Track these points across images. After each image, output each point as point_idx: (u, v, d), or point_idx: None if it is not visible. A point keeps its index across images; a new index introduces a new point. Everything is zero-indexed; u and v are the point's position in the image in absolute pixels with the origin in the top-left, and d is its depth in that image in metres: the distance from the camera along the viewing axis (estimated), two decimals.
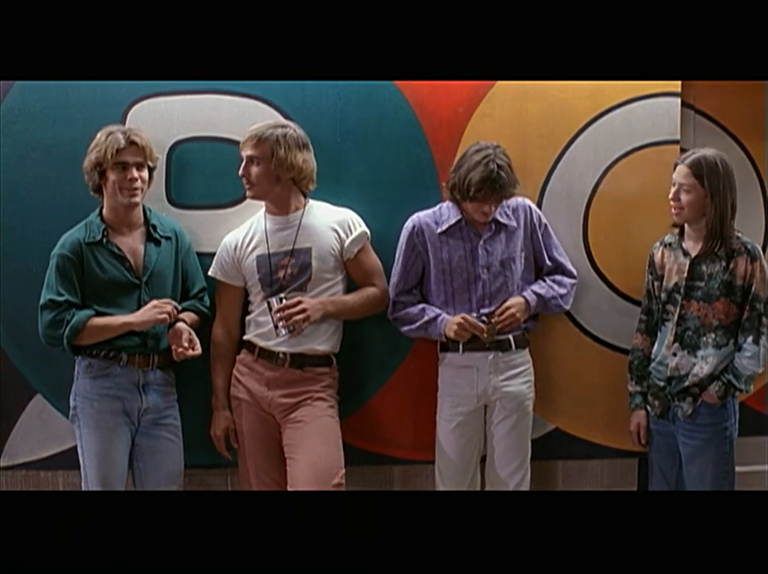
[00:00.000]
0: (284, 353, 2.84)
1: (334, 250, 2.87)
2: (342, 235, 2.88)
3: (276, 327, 2.77)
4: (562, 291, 3.02)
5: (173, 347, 2.80)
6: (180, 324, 2.81)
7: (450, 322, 2.90)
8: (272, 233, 2.87)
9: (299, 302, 2.76)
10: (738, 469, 3.02)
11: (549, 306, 3.01)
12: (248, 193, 2.86)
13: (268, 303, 2.78)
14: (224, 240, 2.95)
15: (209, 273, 2.96)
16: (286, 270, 2.84)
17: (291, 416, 2.84)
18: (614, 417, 3.20)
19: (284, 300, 2.75)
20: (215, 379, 2.97)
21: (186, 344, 2.78)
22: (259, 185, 2.81)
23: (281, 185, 2.82)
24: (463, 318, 2.88)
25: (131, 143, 2.76)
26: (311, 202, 2.91)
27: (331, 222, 2.88)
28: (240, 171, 2.82)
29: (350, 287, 2.97)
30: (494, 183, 2.80)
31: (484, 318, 2.91)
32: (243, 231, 2.94)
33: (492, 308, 2.92)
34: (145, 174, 2.81)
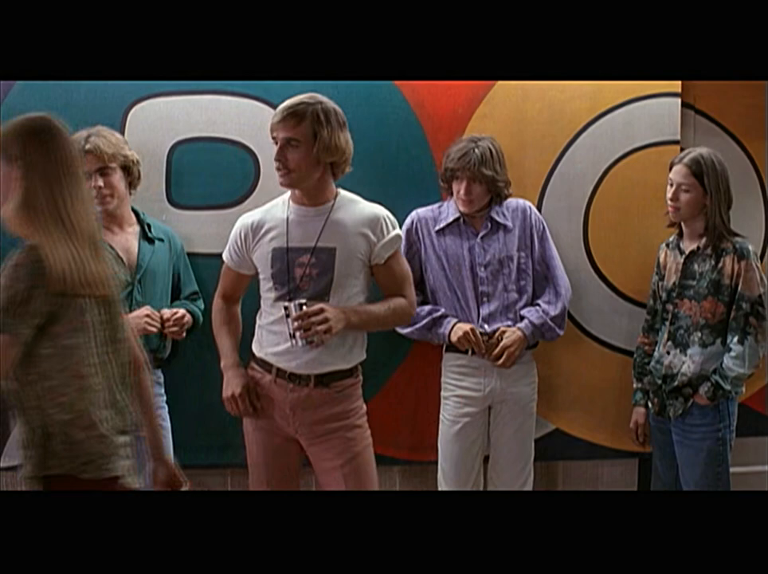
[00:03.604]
0: (308, 375, 2.53)
1: (361, 254, 2.53)
2: (373, 238, 2.53)
3: (292, 336, 2.44)
4: (554, 312, 2.98)
5: (170, 332, 2.81)
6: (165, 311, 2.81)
7: (458, 327, 2.92)
8: (294, 224, 2.53)
9: (322, 310, 2.42)
10: (738, 469, 3.02)
11: (545, 337, 3.01)
12: (282, 180, 2.49)
13: (286, 308, 2.45)
14: (237, 223, 2.66)
15: (223, 255, 2.71)
16: (304, 270, 2.50)
17: (323, 449, 2.58)
18: (614, 417, 3.21)
19: (304, 307, 2.42)
20: (221, 341, 2.69)
21: (172, 318, 2.78)
22: (297, 171, 2.45)
23: (319, 171, 2.49)
24: (471, 329, 2.90)
25: (86, 152, 2.69)
26: (342, 193, 2.60)
27: (362, 221, 2.53)
28: (275, 156, 2.46)
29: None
30: (466, 156, 2.84)
31: (486, 328, 2.94)
32: (258, 216, 2.62)
33: (494, 332, 2.93)
34: (113, 178, 2.75)
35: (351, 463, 2.56)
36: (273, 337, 2.55)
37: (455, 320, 2.94)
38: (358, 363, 2.63)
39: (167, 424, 2.89)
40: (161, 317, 2.79)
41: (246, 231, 2.60)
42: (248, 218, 2.63)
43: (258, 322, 2.65)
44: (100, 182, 2.73)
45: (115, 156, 2.74)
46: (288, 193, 2.59)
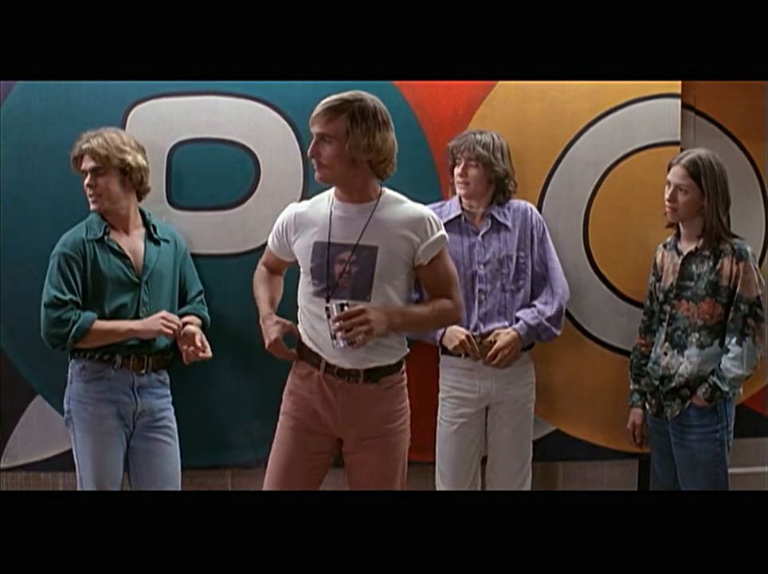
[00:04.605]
0: (357, 370, 2.49)
1: (404, 255, 2.48)
2: (417, 239, 2.47)
3: (333, 337, 2.40)
4: (550, 312, 2.98)
5: (183, 348, 2.81)
6: (190, 327, 2.83)
7: (451, 333, 2.93)
8: (337, 220, 2.49)
9: (363, 311, 2.38)
10: (738, 470, 3.02)
11: (541, 338, 3.01)
12: (316, 175, 2.47)
13: (327, 309, 2.41)
14: (285, 211, 2.63)
15: (268, 239, 2.70)
16: (344, 267, 2.46)
17: (365, 454, 2.53)
18: (615, 418, 3.20)
19: (345, 307, 2.39)
20: (258, 294, 2.69)
21: (198, 345, 2.79)
22: (330, 168, 2.43)
23: (356, 169, 2.44)
24: (466, 337, 2.91)
25: (85, 150, 2.74)
26: (387, 192, 2.54)
27: (405, 221, 2.48)
28: (310, 151, 2.45)
29: None
30: (465, 137, 2.92)
31: (482, 328, 2.95)
32: (305, 207, 2.59)
33: (490, 332, 2.95)
34: (104, 179, 2.75)
35: (388, 469, 2.55)
36: (315, 333, 2.52)
37: None
38: (403, 358, 2.58)
39: (174, 425, 2.89)
40: (193, 336, 2.80)
41: (289, 221, 2.59)
42: (294, 208, 2.61)
43: (299, 313, 2.60)
44: (94, 181, 2.75)
45: (108, 158, 2.73)
46: (334, 188, 2.56)
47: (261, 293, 2.69)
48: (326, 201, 2.55)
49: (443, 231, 2.53)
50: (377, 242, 2.46)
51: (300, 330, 2.59)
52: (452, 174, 2.99)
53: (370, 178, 2.49)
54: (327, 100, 2.42)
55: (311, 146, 2.45)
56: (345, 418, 2.52)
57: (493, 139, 2.94)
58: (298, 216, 2.57)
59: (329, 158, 2.42)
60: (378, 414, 2.52)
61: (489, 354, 2.92)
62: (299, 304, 2.59)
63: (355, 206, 2.49)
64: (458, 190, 2.96)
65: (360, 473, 2.57)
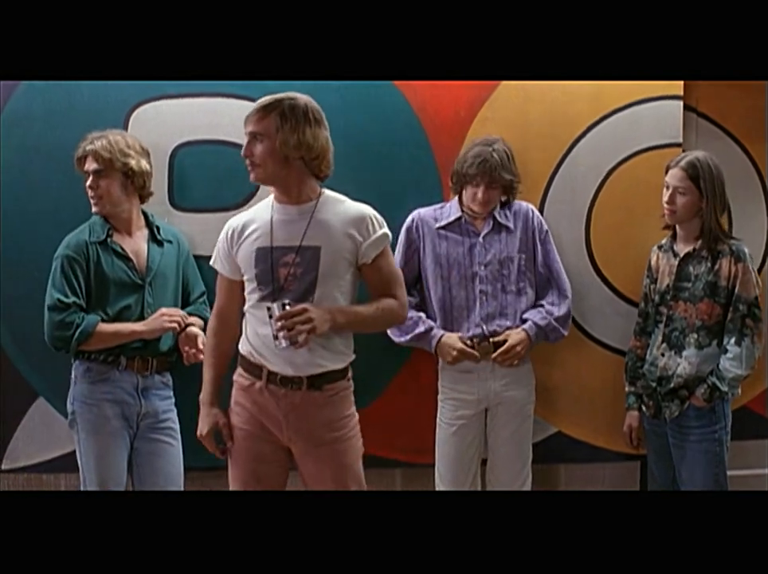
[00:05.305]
0: (300, 377, 2.47)
1: (348, 254, 2.48)
2: (359, 237, 2.47)
3: (275, 337, 2.38)
4: (558, 313, 2.99)
5: (185, 349, 2.81)
6: (193, 328, 2.83)
7: (445, 347, 2.93)
8: (278, 224, 2.49)
9: (305, 310, 2.36)
10: (738, 472, 3.01)
11: (549, 338, 3.02)
12: (251, 175, 2.48)
13: (269, 309, 2.39)
14: (224, 228, 2.60)
15: (211, 262, 2.67)
16: (288, 269, 2.44)
17: (314, 459, 2.52)
18: (616, 420, 3.19)
19: (287, 307, 2.37)
20: (206, 371, 2.62)
21: (200, 346, 2.79)
22: (263, 166, 2.43)
23: (290, 167, 2.44)
24: (460, 350, 2.91)
25: (89, 151, 2.75)
26: (327, 192, 2.54)
27: (347, 220, 2.48)
28: (243, 151, 2.46)
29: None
30: (486, 161, 2.85)
31: (484, 328, 2.94)
32: (244, 218, 2.57)
33: (495, 333, 2.94)
34: (106, 181, 2.76)
35: (340, 476, 2.52)
36: (258, 340, 2.49)
37: (439, 335, 2.95)
38: (349, 364, 2.56)
39: (177, 427, 2.90)
40: (195, 337, 2.81)
41: (231, 233, 2.57)
42: (233, 220, 2.60)
43: (244, 321, 2.57)
44: (96, 183, 2.76)
45: (111, 161, 2.74)
46: (272, 194, 2.57)
47: (207, 370, 2.63)
48: (265, 207, 2.56)
49: (385, 229, 2.54)
50: (319, 242, 2.45)
51: (242, 340, 2.57)
52: (458, 185, 2.98)
53: (307, 178, 2.49)
54: (261, 100, 2.45)
55: (244, 146, 2.46)
56: (289, 427, 2.49)
57: (507, 153, 2.91)
58: (238, 227, 2.56)
59: (261, 156, 2.43)
60: (323, 421, 2.49)
61: (501, 350, 2.92)
62: (244, 311, 2.57)
63: (295, 207, 2.49)
64: (475, 208, 2.94)
65: (312, 481, 2.56)
